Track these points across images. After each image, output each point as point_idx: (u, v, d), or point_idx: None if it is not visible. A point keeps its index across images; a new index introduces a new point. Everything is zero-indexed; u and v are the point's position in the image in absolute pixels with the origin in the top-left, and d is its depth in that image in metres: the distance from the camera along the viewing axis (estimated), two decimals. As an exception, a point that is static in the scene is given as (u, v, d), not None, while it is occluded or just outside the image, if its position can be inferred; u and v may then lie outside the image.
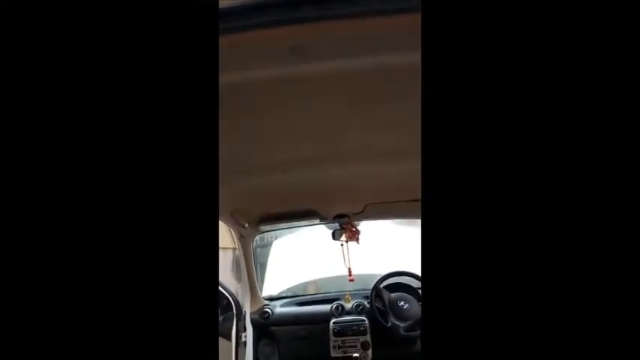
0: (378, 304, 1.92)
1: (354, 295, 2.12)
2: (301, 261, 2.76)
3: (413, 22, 0.51)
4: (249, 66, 0.67)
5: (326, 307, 2.07)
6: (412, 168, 1.09)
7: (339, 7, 0.54)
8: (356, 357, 1.86)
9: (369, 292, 2.10)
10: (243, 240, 1.93)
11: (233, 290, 2.37)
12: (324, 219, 1.87)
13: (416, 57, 0.51)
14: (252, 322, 2.05)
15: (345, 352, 1.90)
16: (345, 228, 1.93)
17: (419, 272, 2.03)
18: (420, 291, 1.99)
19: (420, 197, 0.49)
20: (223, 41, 0.53)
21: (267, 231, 1.99)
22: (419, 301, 1.92)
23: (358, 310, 2.02)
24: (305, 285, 2.62)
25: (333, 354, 1.91)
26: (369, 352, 1.88)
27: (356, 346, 1.90)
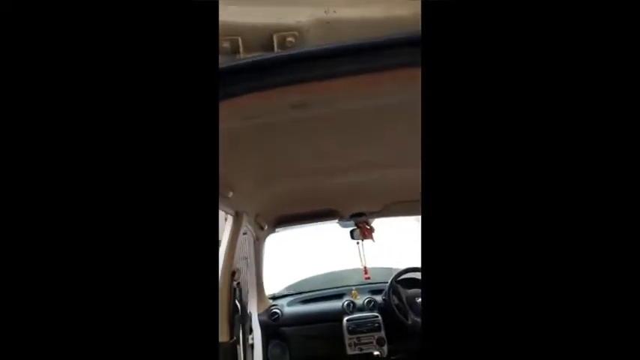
0: (396, 301, 1.93)
1: (360, 291, 2.12)
2: (294, 257, 2.70)
3: None
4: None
5: (336, 304, 2.06)
6: None
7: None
8: (377, 355, 1.87)
9: (377, 286, 2.12)
10: (258, 243, 1.84)
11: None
12: (342, 218, 1.84)
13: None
14: (261, 323, 1.98)
15: (361, 350, 1.90)
16: (361, 226, 1.91)
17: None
18: None
19: None
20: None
21: (280, 231, 1.91)
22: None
23: (370, 306, 2.02)
24: (301, 282, 2.57)
25: (350, 352, 1.90)
26: (385, 348, 1.91)
27: (371, 343, 1.91)
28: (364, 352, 1.90)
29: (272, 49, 0.53)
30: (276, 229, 1.81)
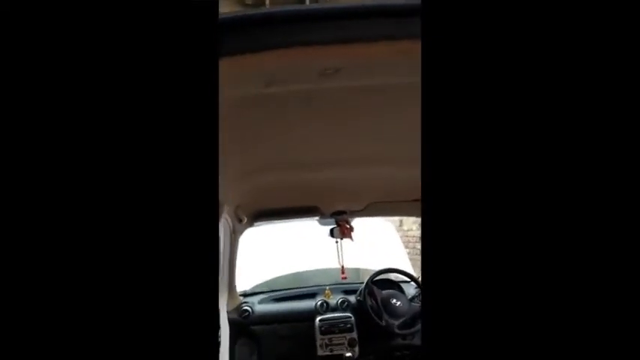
0: (370, 302, 1.92)
1: (333, 291, 2.09)
2: (266, 254, 2.63)
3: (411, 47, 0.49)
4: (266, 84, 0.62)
5: (309, 304, 2.01)
6: (414, 172, 1.24)
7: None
8: (349, 356, 1.84)
9: (349, 287, 2.09)
10: (234, 236, 1.76)
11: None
12: (323, 215, 1.79)
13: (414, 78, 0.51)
14: (230, 321, 1.90)
15: (332, 351, 1.87)
16: (341, 225, 1.88)
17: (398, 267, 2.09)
18: (402, 285, 2.05)
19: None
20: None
21: (259, 226, 1.84)
22: (407, 298, 1.96)
23: (343, 306, 2.00)
24: (273, 280, 2.50)
25: (320, 352, 1.87)
26: (356, 349, 1.88)
27: (343, 344, 1.88)
28: (335, 353, 1.87)
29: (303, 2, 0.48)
30: (255, 223, 1.74)
